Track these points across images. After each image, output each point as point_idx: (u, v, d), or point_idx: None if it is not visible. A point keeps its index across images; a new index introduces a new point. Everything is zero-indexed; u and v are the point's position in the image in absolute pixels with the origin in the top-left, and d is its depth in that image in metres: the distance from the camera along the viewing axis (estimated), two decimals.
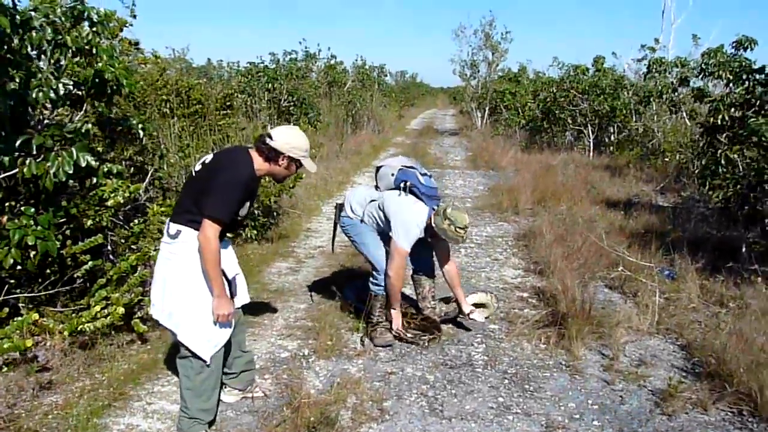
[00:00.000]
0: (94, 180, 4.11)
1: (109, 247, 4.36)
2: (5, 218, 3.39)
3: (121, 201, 4.04)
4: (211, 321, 2.86)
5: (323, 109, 16.12)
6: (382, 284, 4.08)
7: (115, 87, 4.29)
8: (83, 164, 3.33)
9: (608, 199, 8.75)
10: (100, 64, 4.14)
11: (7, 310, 3.51)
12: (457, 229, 3.92)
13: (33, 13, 3.54)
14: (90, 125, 4.43)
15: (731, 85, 6.25)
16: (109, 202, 4.03)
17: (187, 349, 2.88)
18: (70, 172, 3.25)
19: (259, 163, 2.92)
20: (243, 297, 3.20)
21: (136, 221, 4.51)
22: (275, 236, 6.64)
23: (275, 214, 6.99)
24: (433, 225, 3.98)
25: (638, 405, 3.37)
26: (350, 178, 11.01)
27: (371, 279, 4.15)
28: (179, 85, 8.97)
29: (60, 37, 3.66)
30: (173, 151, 6.44)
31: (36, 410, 3.15)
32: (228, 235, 3.06)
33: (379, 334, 4.11)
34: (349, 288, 4.87)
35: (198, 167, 2.91)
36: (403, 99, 37.01)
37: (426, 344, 4.08)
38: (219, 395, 3.10)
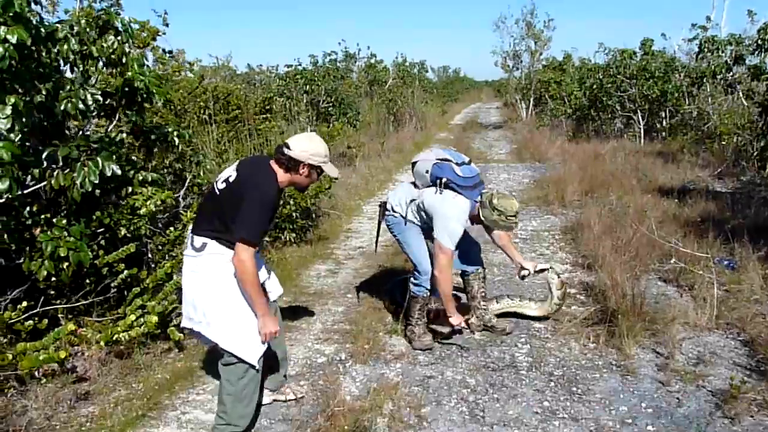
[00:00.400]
0: (130, 189, 4.14)
1: (149, 255, 4.36)
2: (38, 230, 3.41)
3: (153, 209, 4.02)
4: (252, 326, 2.81)
5: (364, 108, 16.09)
6: (424, 285, 3.95)
7: (145, 95, 4.29)
8: (109, 173, 3.30)
9: (661, 187, 8.34)
10: (129, 74, 4.15)
11: (46, 321, 3.52)
12: (508, 218, 3.73)
13: (58, 25, 3.56)
14: (124, 134, 4.47)
15: None
16: (142, 211, 4.02)
17: (232, 355, 2.81)
18: (96, 181, 3.23)
19: (281, 175, 2.86)
20: (276, 290, 3.16)
21: (172, 228, 4.50)
22: (315, 238, 6.58)
23: (314, 216, 6.94)
24: (483, 219, 3.80)
25: (697, 407, 3.12)
26: (392, 176, 10.89)
27: (412, 279, 4.02)
28: (218, 91, 9.04)
29: (86, 47, 3.66)
30: (210, 157, 6.45)
31: (72, 421, 3.14)
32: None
33: (417, 337, 3.97)
34: (393, 285, 4.73)
35: (221, 185, 2.84)
36: (446, 94, 36.69)
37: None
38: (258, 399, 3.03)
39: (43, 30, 3.37)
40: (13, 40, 2.82)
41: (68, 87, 3.66)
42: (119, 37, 3.80)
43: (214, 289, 2.82)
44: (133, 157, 4.58)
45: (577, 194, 8.11)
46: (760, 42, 6.33)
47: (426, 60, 24.89)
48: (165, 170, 5.58)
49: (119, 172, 3.38)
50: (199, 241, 2.83)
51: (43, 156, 3.21)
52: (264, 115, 10.24)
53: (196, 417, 3.23)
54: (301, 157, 2.83)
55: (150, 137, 4.65)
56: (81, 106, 3.65)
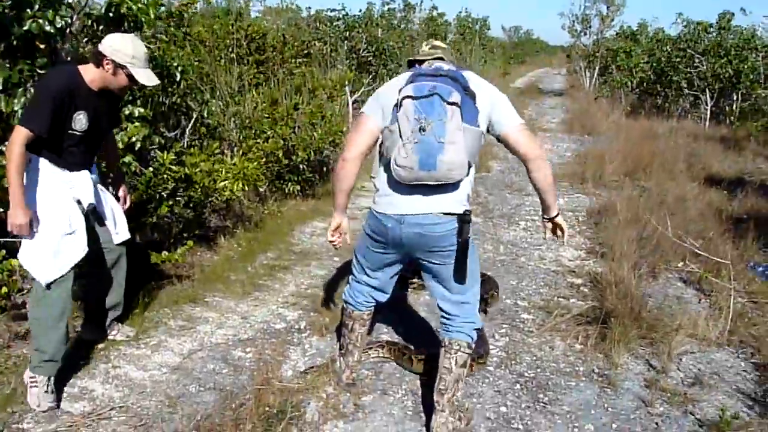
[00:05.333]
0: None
1: None
2: None
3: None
4: (55, 242, 2.66)
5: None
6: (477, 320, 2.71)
7: (132, 22, 4.00)
8: None
9: (713, 175, 7.60)
10: None
11: None
12: None
13: None
14: None
15: None
16: None
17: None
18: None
19: (91, 72, 2.72)
20: (122, 233, 3.06)
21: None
22: (322, 193, 6.26)
23: (325, 168, 6.60)
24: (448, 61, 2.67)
25: None
26: None
27: (472, 334, 2.66)
28: (251, 30, 8.71)
29: None
30: (223, 97, 6.17)
31: None
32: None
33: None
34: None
35: None
36: (512, 56, 35.28)
37: None
38: (66, 331, 2.77)
39: None
40: None
41: (36, 5, 3.38)
42: None
43: None
44: None
45: (616, 174, 7.47)
46: None
47: (489, 16, 23.69)
48: (167, 106, 5.32)
49: None
50: None
51: None
52: (302, 60, 9.88)
53: None
54: (104, 51, 2.68)
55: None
56: (47, 27, 3.38)
